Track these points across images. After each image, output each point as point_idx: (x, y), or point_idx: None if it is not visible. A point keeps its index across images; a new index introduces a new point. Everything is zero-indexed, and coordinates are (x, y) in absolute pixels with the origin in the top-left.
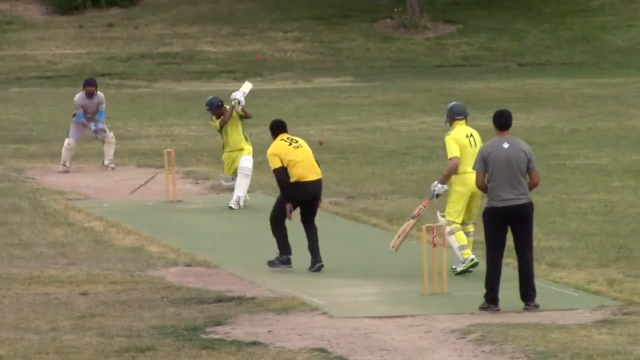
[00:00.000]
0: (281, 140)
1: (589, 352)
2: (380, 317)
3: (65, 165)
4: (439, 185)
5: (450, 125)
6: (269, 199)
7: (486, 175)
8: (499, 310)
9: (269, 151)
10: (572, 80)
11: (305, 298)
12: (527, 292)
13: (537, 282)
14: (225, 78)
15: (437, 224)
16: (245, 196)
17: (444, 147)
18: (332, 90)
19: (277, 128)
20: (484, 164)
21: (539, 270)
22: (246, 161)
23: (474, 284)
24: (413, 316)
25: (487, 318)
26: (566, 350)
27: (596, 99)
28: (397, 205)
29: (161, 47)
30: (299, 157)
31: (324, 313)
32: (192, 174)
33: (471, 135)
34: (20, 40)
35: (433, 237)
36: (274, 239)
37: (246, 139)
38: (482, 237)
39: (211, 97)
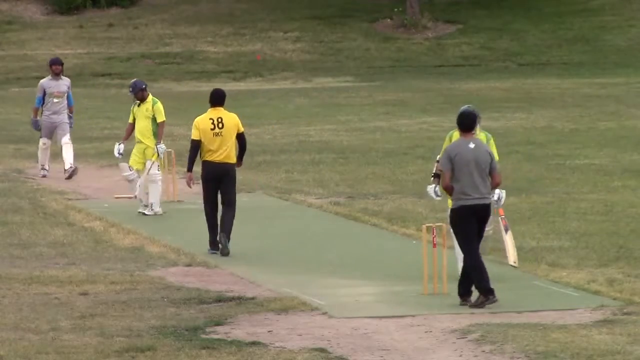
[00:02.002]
0: (209, 118)
1: (589, 352)
2: (380, 317)
3: (45, 169)
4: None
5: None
6: (270, 199)
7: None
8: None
9: (195, 120)
10: (572, 80)
11: (305, 298)
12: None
13: (537, 282)
14: (225, 78)
15: (437, 224)
16: (160, 208)
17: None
18: (332, 90)
19: (212, 99)
20: (450, 164)
21: (539, 270)
22: (153, 168)
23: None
24: (413, 316)
25: (487, 318)
26: (566, 350)
27: (596, 99)
28: (397, 205)
29: (161, 47)
30: (212, 145)
31: (324, 313)
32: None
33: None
34: (20, 40)
35: (433, 237)
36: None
37: (154, 134)
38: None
39: (135, 79)
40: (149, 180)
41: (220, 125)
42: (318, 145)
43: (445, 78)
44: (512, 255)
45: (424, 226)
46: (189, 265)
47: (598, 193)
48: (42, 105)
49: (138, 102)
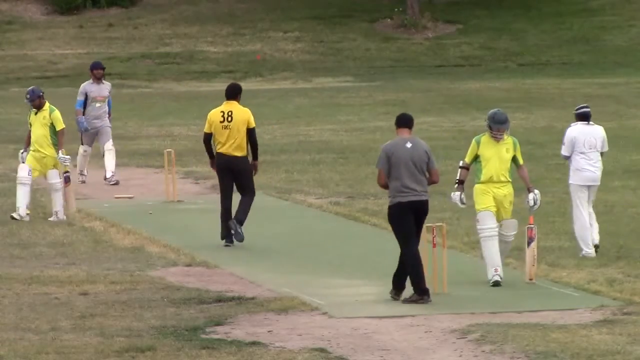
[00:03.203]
0: (221, 111)
1: (589, 352)
2: (380, 317)
3: (83, 175)
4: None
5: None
6: (270, 199)
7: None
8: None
9: (209, 113)
10: (572, 80)
11: (305, 298)
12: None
13: (537, 282)
14: (225, 78)
15: (437, 224)
16: (61, 213)
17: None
18: (332, 90)
19: (226, 93)
20: (387, 162)
21: (539, 270)
22: (53, 177)
23: (474, 284)
24: (413, 316)
25: (487, 318)
26: (566, 350)
27: (596, 99)
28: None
29: (161, 47)
30: (222, 137)
31: (324, 313)
32: (192, 174)
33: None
34: (20, 40)
35: (433, 237)
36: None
37: (53, 144)
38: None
39: (33, 87)
40: (52, 189)
41: (229, 118)
42: (318, 145)
43: (445, 78)
44: (529, 271)
45: (424, 226)
46: (189, 265)
47: (598, 193)
48: (83, 109)
49: (35, 110)
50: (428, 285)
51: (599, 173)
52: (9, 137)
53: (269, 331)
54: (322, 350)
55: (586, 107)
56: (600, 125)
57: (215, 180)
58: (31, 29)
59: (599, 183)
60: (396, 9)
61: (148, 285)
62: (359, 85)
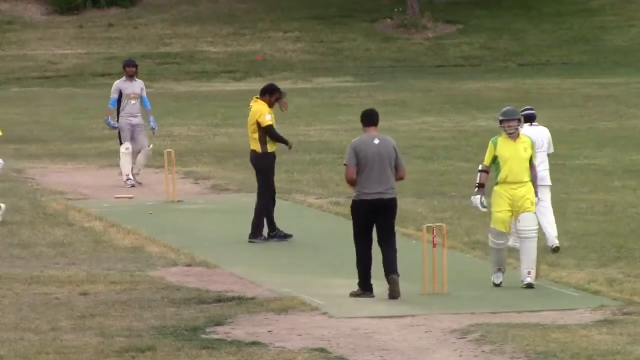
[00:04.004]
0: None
1: (589, 352)
2: (380, 317)
3: (130, 179)
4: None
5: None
6: None
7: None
8: (373, 297)
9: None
10: (572, 80)
11: (305, 298)
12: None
13: (538, 282)
14: (225, 78)
15: (437, 224)
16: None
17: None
18: (332, 90)
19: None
20: (355, 158)
21: (539, 270)
22: None
23: (474, 284)
24: (413, 316)
25: (487, 318)
26: (566, 350)
27: (596, 99)
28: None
29: (161, 47)
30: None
31: (324, 313)
32: (192, 174)
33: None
34: (20, 40)
35: (433, 237)
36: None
37: None
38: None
39: None
40: None
41: (248, 115)
42: (318, 145)
43: (445, 78)
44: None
45: (423, 226)
46: (189, 265)
47: (598, 193)
48: (117, 107)
49: None
50: (428, 285)
51: (546, 173)
52: (9, 137)
53: (269, 331)
54: (322, 350)
55: (530, 109)
56: (600, 124)
57: (215, 181)
58: (31, 29)
59: (548, 183)
60: (396, 9)
61: (148, 285)
62: (359, 85)
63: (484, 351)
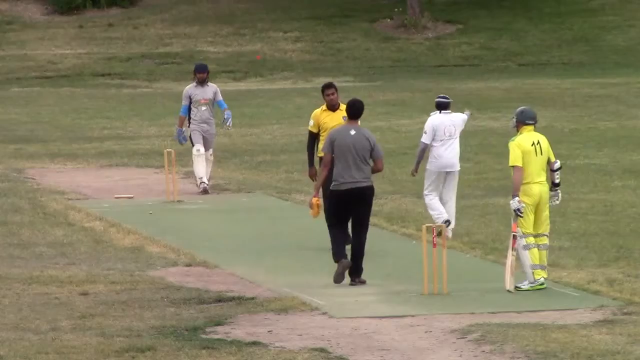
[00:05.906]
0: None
1: (589, 352)
2: (380, 317)
3: (204, 183)
4: (513, 200)
5: (517, 130)
6: (270, 199)
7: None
8: (349, 262)
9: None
10: (572, 80)
11: (305, 298)
12: (355, 270)
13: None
14: (225, 78)
15: (437, 224)
16: None
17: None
18: None
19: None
20: (331, 147)
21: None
22: None
23: (474, 284)
24: (413, 316)
25: (487, 318)
26: (566, 350)
27: (596, 99)
28: (397, 205)
29: (161, 47)
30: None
31: (324, 313)
32: (192, 174)
33: (538, 142)
34: (20, 40)
35: (433, 237)
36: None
37: None
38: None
39: None
40: None
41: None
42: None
43: (445, 78)
44: (510, 281)
45: (423, 226)
46: (189, 265)
47: (598, 193)
48: (188, 114)
49: None
50: (428, 285)
51: (456, 160)
52: (9, 137)
53: (269, 331)
54: (322, 350)
55: (444, 97)
56: (600, 124)
57: (215, 181)
58: (31, 29)
59: (457, 169)
60: (396, 9)
61: (148, 285)
62: (359, 85)
63: (484, 351)
